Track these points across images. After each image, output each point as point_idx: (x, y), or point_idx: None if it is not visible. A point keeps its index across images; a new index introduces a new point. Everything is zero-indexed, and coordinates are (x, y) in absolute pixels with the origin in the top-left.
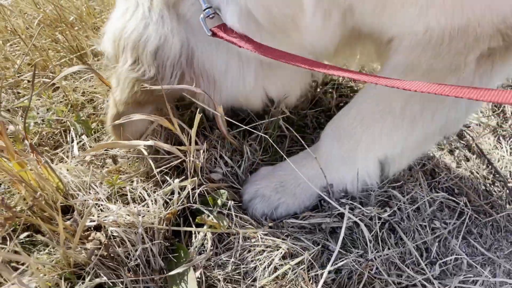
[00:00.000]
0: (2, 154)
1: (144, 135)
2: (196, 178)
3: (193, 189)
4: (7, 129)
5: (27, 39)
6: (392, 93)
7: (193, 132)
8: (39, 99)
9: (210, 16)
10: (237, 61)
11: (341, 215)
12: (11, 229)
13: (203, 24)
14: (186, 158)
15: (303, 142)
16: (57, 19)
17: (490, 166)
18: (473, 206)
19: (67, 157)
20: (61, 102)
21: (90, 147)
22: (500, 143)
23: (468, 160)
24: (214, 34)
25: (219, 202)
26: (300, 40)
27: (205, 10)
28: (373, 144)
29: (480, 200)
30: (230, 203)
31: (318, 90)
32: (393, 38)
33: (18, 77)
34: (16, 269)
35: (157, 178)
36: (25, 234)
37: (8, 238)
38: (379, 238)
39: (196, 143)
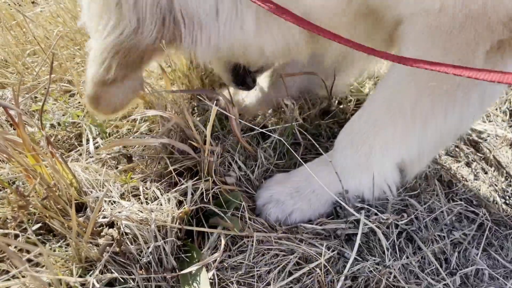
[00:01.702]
0: (18, 149)
1: (160, 133)
2: (210, 179)
3: (206, 190)
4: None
5: (47, 49)
6: (400, 94)
7: (208, 128)
8: (55, 104)
9: None
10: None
11: (357, 222)
12: (23, 227)
13: None
14: (200, 158)
15: (318, 146)
16: (76, 31)
17: (508, 179)
18: (493, 218)
19: (82, 157)
20: (77, 107)
21: None
22: None
23: (486, 172)
24: None
25: (232, 204)
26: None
27: None
28: (387, 148)
29: (500, 212)
30: (244, 205)
31: (333, 100)
32: (401, 19)
33: (37, 83)
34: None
35: (170, 179)
36: (38, 226)
37: (20, 235)
38: (397, 247)
39: (211, 144)
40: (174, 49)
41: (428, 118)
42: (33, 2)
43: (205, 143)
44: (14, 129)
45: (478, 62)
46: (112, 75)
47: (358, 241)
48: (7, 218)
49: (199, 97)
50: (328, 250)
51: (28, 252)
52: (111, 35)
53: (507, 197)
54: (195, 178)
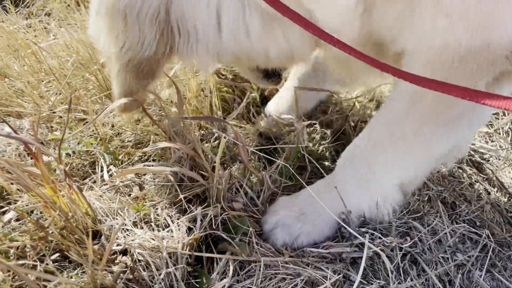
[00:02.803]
0: (36, 180)
1: (170, 161)
2: (218, 205)
3: (215, 216)
4: None
5: (61, 78)
6: (403, 120)
7: (218, 157)
8: (70, 133)
9: None
10: (236, 5)
11: (362, 245)
12: (41, 254)
13: None
14: (209, 185)
15: (322, 171)
16: (89, 60)
17: (511, 200)
18: (496, 239)
19: (96, 185)
20: (90, 135)
21: None
22: None
23: (488, 193)
24: None
25: (240, 230)
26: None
27: None
28: (387, 168)
29: (503, 233)
30: (252, 230)
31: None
32: (404, 53)
33: (53, 113)
34: None
35: (180, 205)
36: (55, 255)
37: (38, 261)
38: (401, 270)
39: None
40: (177, 58)
41: (429, 143)
42: (45, 28)
43: (213, 170)
44: (31, 158)
45: None
46: (134, 88)
47: (363, 265)
48: (25, 246)
49: (207, 124)
50: (334, 274)
51: (46, 280)
52: (121, 51)
53: (510, 218)
54: (204, 205)
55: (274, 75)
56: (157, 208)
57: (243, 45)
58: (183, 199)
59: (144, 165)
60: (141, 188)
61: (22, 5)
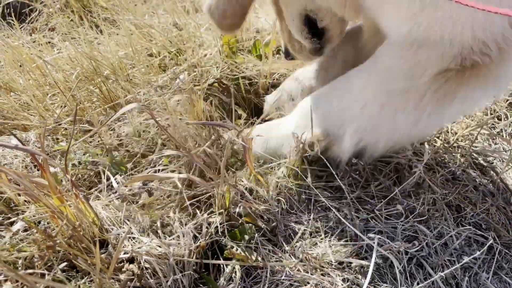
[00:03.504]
0: (43, 190)
1: (176, 166)
2: (224, 211)
3: (221, 222)
4: None
5: (66, 91)
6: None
7: (223, 163)
8: (75, 144)
9: None
10: None
11: (370, 249)
12: (49, 264)
13: None
14: (215, 190)
15: (331, 169)
16: (93, 72)
17: None
18: (502, 241)
19: (102, 195)
20: (96, 146)
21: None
22: None
23: (493, 195)
24: None
25: (246, 236)
26: None
27: None
28: None
29: (509, 235)
30: (257, 237)
31: None
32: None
33: (59, 125)
34: None
35: (187, 212)
36: (63, 265)
37: (46, 271)
38: (408, 273)
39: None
40: None
41: None
42: (49, 43)
43: (219, 174)
44: (38, 170)
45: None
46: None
47: (371, 268)
48: (33, 257)
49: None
50: (342, 280)
51: None
52: None
53: None
54: (210, 211)
55: (318, 35)
56: (163, 215)
57: None
58: (189, 206)
59: (150, 173)
60: (150, 194)
61: (26, 21)
